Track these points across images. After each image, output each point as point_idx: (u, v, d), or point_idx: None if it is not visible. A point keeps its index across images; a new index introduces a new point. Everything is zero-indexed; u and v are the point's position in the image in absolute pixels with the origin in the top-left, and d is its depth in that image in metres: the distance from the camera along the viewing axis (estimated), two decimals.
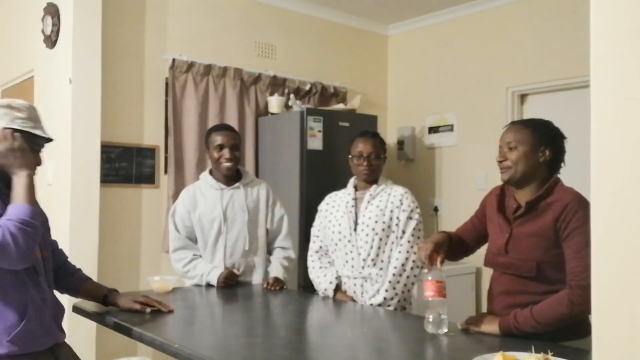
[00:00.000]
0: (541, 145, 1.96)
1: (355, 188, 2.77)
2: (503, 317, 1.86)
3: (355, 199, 2.73)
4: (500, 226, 2.02)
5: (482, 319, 1.92)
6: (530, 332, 1.79)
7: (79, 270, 2.20)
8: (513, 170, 1.97)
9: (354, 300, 2.63)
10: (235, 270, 2.79)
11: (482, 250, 2.18)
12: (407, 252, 2.59)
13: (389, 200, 2.66)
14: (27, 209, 1.69)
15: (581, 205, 1.83)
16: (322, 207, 2.87)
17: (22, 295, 1.73)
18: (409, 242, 2.60)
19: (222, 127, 2.95)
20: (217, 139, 2.84)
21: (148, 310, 2.13)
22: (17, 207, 1.69)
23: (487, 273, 2.20)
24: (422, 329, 1.91)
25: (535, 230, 1.90)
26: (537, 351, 1.48)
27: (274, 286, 2.73)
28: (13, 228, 1.62)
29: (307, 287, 3.71)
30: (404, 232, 2.62)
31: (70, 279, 2.13)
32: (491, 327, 1.87)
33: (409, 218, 2.63)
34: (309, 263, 2.83)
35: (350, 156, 2.76)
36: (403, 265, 2.58)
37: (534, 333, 1.78)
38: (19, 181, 1.75)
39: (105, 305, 2.18)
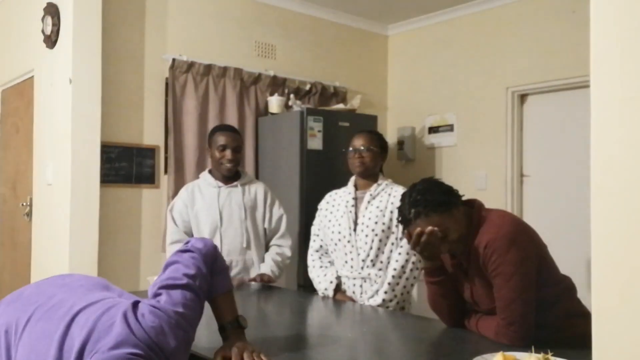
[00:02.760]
0: (452, 209, 1.81)
1: (356, 187, 2.77)
2: (467, 319, 1.90)
3: (355, 198, 2.73)
4: (461, 280, 1.91)
5: None
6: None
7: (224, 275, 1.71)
8: (454, 246, 1.83)
9: (353, 301, 2.63)
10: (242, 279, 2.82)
11: None
12: (407, 253, 2.58)
13: (389, 200, 2.66)
14: None
15: (496, 243, 1.73)
16: (322, 205, 2.87)
17: None
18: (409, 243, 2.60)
19: (227, 129, 2.97)
20: (221, 139, 2.85)
21: None
22: None
23: None
24: (422, 328, 1.91)
25: (482, 277, 1.81)
26: (537, 351, 1.48)
27: (260, 279, 2.77)
28: None
29: (307, 287, 3.70)
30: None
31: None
32: None
33: None
34: (309, 262, 2.83)
35: (344, 151, 2.80)
36: (403, 267, 2.57)
37: None
38: None
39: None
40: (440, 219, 1.78)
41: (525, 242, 1.76)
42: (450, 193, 1.85)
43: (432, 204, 1.79)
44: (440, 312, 1.96)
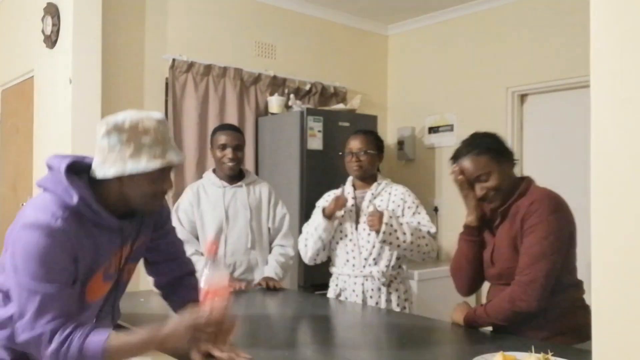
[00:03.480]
0: (502, 159, 1.95)
1: (354, 187, 2.77)
2: (470, 309, 1.93)
3: (355, 197, 2.73)
4: (486, 239, 2.02)
5: (458, 308, 1.99)
6: (486, 325, 1.86)
7: (189, 287, 1.84)
8: (500, 194, 1.93)
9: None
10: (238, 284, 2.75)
11: None
12: (425, 230, 2.62)
13: (390, 200, 2.67)
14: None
15: (543, 203, 1.84)
16: (321, 204, 2.86)
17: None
18: (426, 224, 2.64)
19: (227, 127, 2.96)
20: (221, 138, 2.84)
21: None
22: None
23: None
24: (422, 328, 1.91)
25: (511, 235, 1.89)
26: (537, 351, 1.48)
27: (266, 283, 2.72)
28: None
29: (307, 287, 3.71)
30: (418, 222, 2.65)
31: (173, 295, 1.86)
32: (458, 317, 1.95)
33: (417, 213, 2.66)
34: (300, 242, 2.82)
35: (341, 154, 2.80)
36: (421, 231, 2.60)
37: (491, 324, 1.86)
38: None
39: None
40: (488, 162, 1.91)
41: (567, 215, 1.87)
42: (503, 147, 1.98)
43: (484, 146, 1.94)
44: (459, 276, 2.06)
